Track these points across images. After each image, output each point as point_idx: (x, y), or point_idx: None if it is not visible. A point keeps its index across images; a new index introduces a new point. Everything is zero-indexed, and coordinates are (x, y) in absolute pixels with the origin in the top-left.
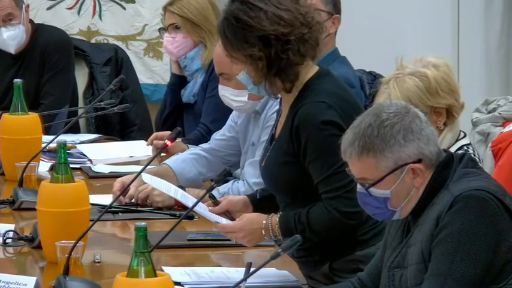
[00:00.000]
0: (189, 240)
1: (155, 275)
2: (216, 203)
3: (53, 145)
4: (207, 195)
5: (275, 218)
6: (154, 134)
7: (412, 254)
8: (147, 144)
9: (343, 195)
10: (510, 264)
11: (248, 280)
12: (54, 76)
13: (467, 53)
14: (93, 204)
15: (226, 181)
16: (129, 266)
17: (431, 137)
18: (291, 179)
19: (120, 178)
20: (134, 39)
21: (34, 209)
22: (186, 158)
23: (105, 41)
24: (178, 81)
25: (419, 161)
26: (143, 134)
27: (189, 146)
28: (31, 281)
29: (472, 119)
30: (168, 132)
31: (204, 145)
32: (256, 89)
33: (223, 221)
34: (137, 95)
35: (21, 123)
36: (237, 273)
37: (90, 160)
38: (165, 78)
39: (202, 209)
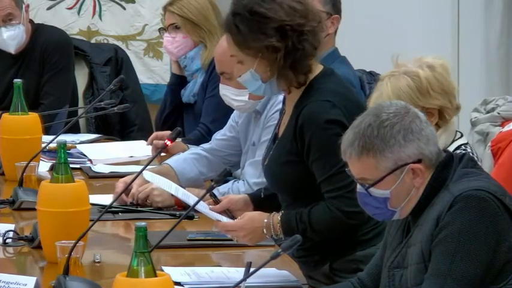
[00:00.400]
0: (189, 240)
1: (155, 275)
2: (216, 201)
3: (53, 145)
4: (209, 194)
5: (277, 216)
6: (155, 134)
7: (412, 254)
8: (147, 144)
9: (345, 195)
10: (510, 264)
11: (248, 280)
12: (54, 76)
13: (467, 53)
14: (93, 204)
15: (227, 181)
16: (129, 266)
17: (431, 137)
18: (293, 179)
19: (123, 179)
20: (134, 39)
21: (34, 209)
22: (187, 157)
23: (105, 41)
24: (178, 81)
25: (419, 161)
26: (143, 134)
27: (189, 146)
28: (31, 281)
29: (471, 119)
30: (168, 132)
31: (205, 145)
32: (262, 88)
33: (224, 219)
34: (137, 95)
35: (21, 123)
36: (237, 273)
37: (90, 160)
38: (165, 78)
39: (203, 207)
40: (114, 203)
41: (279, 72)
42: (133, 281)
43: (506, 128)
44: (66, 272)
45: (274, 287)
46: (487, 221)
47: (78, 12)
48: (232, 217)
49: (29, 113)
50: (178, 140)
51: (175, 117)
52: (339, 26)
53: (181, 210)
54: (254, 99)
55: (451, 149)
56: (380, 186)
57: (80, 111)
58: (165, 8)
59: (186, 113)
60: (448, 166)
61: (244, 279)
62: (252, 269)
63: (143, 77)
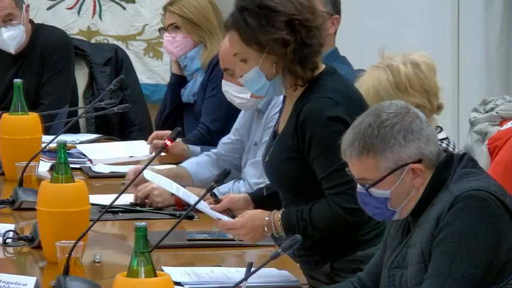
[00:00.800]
0: (189, 240)
1: (155, 275)
2: (217, 201)
3: (53, 145)
4: (210, 194)
5: (277, 214)
6: (155, 133)
7: (412, 254)
8: (148, 143)
9: (346, 192)
10: (510, 264)
11: (248, 280)
12: (54, 76)
13: (467, 53)
14: (93, 204)
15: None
16: (129, 266)
17: (431, 137)
18: (294, 175)
19: (135, 166)
20: (134, 39)
21: (34, 209)
22: (200, 160)
23: (105, 41)
24: (179, 81)
25: (419, 161)
26: (143, 134)
27: (188, 146)
28: (31, 281)
29: (470, 119)
30: (168, 132)
31: (213, 150)
32: (265, 88)
33: (225, 218)
34: (137, 95)
35: (21, 123)
36: (237, 273)
37: (90, 160)
38: (165, 78)
39: (203, 206)
40: (114, 203)
41: (288, 68)
42: (133, 281)
43: (504, 127)
44: (66, 272)
45: (274, 287)
46: (487, 221)
47: (78, 12)
48: (233, 216)
49: (29, 113)
50: (178, 139)
51: (176, 117)
52: (338, 26)
53: (181, 210)
54: (256, 97)
55: None
56: (380, 186)
57: (80, 111)
58: (165, 8)
59: (186, 112)
60: (448, 166)
61: (244, 279)
62: (252, 269)
63: (143, 77)
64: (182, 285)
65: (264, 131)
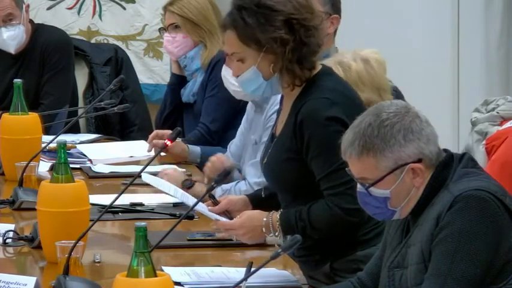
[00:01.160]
0: (189, 240)
1: (155, 275)
2: (215, 202)
3: (53, 145)
4: (207, 195)
5: (276, 215)
6: (155, 132)
7: (412, 254)
8: (148, 142)
9: (345, 192)
10: (510, 264)
11: (248, 280)
12: (54, 76)
13: (467, 53)
14: (93, 204)
15: None
16: (129, 266)
17: (431, 136)
18: (293, 176)
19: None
20: (134, 39)
21: (34, 209)
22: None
23: (105, 41)
24: (179, 81)
25: (419, 160)
26: (143, 134)
27: (188, 146)
28: (31, 281)
29: (471, 119)
30: (168, 131)
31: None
32: (262, 87)
33: (223, 220)
34: (137, 95)
35: (21, 123)
36: (237, 273)
37: (90, 160)
38: (165, 78)
39: (202, 208)
40: (114, 203)
41: (286, 67)
42: (133, 281)
43: (504, 127)
44: (66, 272)
45: (274, 287)
46: (487, 221)
47: (78, 12)
48: (231, 218)
49: (29, 113)
50: (178, 139)
51: (176, 117)
52: (338, 26)
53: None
54: None
55: None
56: (380, 185)
57: (80, 111)
58: (165, 8)
59: (186, 112)
60: (448, 166)
61: (244, 279)
62: (252, 269)
63: (143, 77)
64: (182, 285)
65: (264, 131)
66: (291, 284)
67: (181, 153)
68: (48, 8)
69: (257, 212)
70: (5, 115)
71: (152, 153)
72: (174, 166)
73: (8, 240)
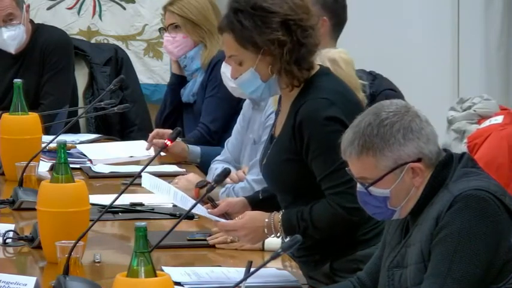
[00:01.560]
0: (189, 240)
1: (155, 275)
2: (214, 205)
3: (53, 145)
4: (206, 197)
5: (277, 215)
6: (155, 131)
7: (411, 254)
8: (148, 142)
9: (346, 191)
10: (510, 264)
11: (248, 280)
12: (54, 76)
13: (467, 53)
14: (93, 204)
15: None
16: (129, 266)
17: (431, 136)
18: (292, 177)
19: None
20: (134, 39)
21: (34, 209)
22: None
23: (105, 41)
24: (179, 81)
25: (419, 160)
26: (143, 134)
27: (188, 145)
28: (31, 281)
29: (448, 117)
30: (169, 131)
31: (220, 157)
32: (260, 89)
33: (224, 221)
34: (137, 95)
35: (21, 123)
36: (237, 273)
37: (90, 160)
38: (165, 78)
39: (201, 211)
40: (114, 203)
41: (284, 68)
42: (133, 281)
43: (483, 125)
44: (66, 272)
45: (274, 287)
46: (487, 221)
47: (78, 12)
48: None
49: (29, 113)
50: (178, 139)
51: (176, 117)
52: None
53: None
54: None
55: None
56: (380, 185)
57: (80, 111)
58: (165, 8)
59: (186, 112)
60: (447, 165)
61: (244, 279)
62: (252, 269)
63: (143, 77)
64: (182, 285)
65: (263, 130)
66: (291, 284)
67: (181, 153)
68: (48, 8)
69: (259, 212)
70: (5, 115)
71: (152, 152)
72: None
73: (8, 240)
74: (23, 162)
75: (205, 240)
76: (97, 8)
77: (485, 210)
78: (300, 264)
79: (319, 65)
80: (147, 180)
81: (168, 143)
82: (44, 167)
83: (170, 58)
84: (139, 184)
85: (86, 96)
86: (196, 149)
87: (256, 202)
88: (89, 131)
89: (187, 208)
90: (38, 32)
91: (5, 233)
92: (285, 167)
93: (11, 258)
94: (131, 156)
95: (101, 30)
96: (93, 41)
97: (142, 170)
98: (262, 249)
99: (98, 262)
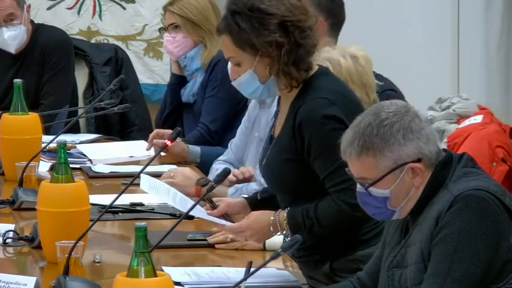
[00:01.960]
0: (189, 240)
1: (155, 275)
2: (213, 206)
3: (53, 145)
4: (206, 198)
5: (283, 213)
6: (155, 131)
7: (411, 254)
8: (148, 142)
9: (349, 187)
10: (510, 264)
11: (248, 280)
12: (54, 76)
13: (467, 53)
14: (93, 204)
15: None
16: (129, 266)
17: (431, 136)
18: (292, 177)
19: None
20: (134, 39)
21: (34, 209)
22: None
23: (105, 41)
24: (179, 81)
25: (418, 160)
26: (143, 134)
27: (188, 145)
28: (31, 281)
29: (427, 117)
30: (169, 131)
31: (223, 157)
32: (259, 90)
33: (222, 223)
34: (137, 95)
35: (21, 123)
36: (237, 273)
37: (90, 160)
38: (165, 78)
39: (200, 213)
40: (114, 203)
41: (282, 69)
42: (133, 281)
43: (463, 125)
44: (66, 272)
45: (274, 287)
46: (487, 221)
47: (78, 12)
48: (231, 221)
49: (29, 113)
50: (178, 139)
51: (176, 117)
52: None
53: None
54: None
55: None
56: (380, 185)
57: (80, 111)
58: (165, 8)
59: (186, 112)
60: (447, 166)
61: (244, 279)
62: (252, 269)
63: (143, 77)
64: (182, 285)
65: (267, 128)
66: (291, 284)
67: (181, 153)
68: (48, 8)
69: (263, 212)
70: (5, 115)
71: (152, 152)
72: (188, 168)
73: (8, 240)
74: (23, 162)
75: (205, 240)
76: (97, 8)
77: (485, 210)
78: (300, 264)
79: (318, 65)
80: (145, 181)
81: (168, 143)
82: (44, 167)
83: (170, 58)
84: (140, 184)
85: (86, 96)
86: (196, 149)
87: (257, 203)
88: (89, 131)
89: (188, 207)
90: (38, 32)
91: (5, 233)
92: (285, 167)
93: (11, 258)
94: (131, 156)
95: (101, 30)
96: (93, 41)
97: (142, 170)
98: (264, 249)
99: (98, 262)
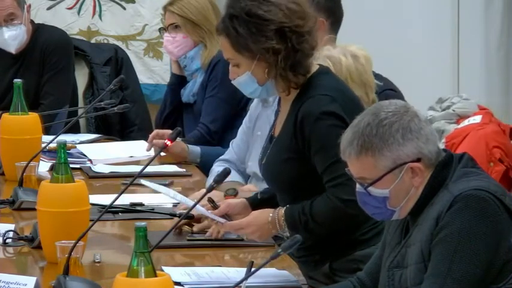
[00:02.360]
0: (189, 240)
1: (155, 275)
2: (215, 206)
3: (53, 145)
4: (206, 198)
5: (281, 211)
6: (155, 131)
7: (411, 254)
8: (148, 142)
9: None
10: (510, 264)
11: (248, 280)
12: (54, 76)
13: (467, 53)
14: (93, 204)
15: None
16: (129, 266)
17: (430, 136)
18: (292, 177)
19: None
20: (134, 39)
21: (34, 209)
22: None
23: (105, 41)
24: (179, 81)
25: (418, 160)
26: (143, 134)
27: (188, 145)
28: (31, 281)
29: (427, 117)
30: (169, 131)
31: (224, 157)
32: (258, 91)
33: (223, 221)
34: (137, 95)
35: (21, 123)
36: (237, 273)
37: (90, 160)
38: (165, 78)
39: (201, 210)
40: (114, 203)
41: (279, 74)
42: (133, 281)
43: (462, 125)
44: (66, 272)
45: (274, 287)
46: (487, 221)
47: (78, 12)
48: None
49: (29, 113)
50: (178, 139)
51: (176, 117)
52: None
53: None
54: None
55: None
56: (379, 185)
57: (80, 111)
58: (165, 8)
59: (186, 112)
60: (447, 166)
61: (245, 278)
62: (252, 269)
63: (143, 77)
64: (182, 285)
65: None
66: (291, 284)
67: (181, 153)
68: (48, 8)
69: (263, 210)
70: (5, 115)
71: (152, 153)
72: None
73: (8, 240)
74: (23, 162)
75: (205, 240)
76: (97, 8)
77: (485, 210)
78: (299, 264)
79: (319, 64)
80: (147, 182)
81: (168, 143)
82: (44, 167)
83: (170, 58)
84: (140, 184)
85: (86, 96)
86: (196, 149)
87: (257, 203)
88: (89, 131)
89: (189, 206)
90: (38, 32)
91: (5, 233)
92: (285, 166)
93: (11, 258)
94: (131, 156)
95: (101, 30)
96: (93, 41)
97: (142, 170)
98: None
99: (98, 262)
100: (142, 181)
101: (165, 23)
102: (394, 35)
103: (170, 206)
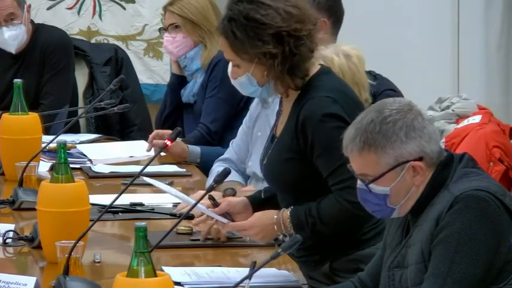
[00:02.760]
0: (192, 240)
1: (155, 275)
2: (215, 204)
3: (53, 145)
4: (207, 197)
5: (286, 212)
6: (155, 132)
7: (412, 254)
8: (148, 142)
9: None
10: (510, 264)
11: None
12: (54, 76)
13: (467, 53)
14: (93, 204)
15: None
16: (129, 266)
17: (433, 135)
18: (293, 177)
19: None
20: (134, 39)
21: (34, 209)
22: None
23: (105, 41)
24: (179, 81)
25: (420, 159)
26: (143, 134)
27: (188, 145)
28: (31, 281)
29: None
30: (169, 131)
31: (224, 156)
32: (258, 91)
33: (224, 221)
34: (137, 95)
35: (21, 123)
36: (237, 273)
37: (90, 160)
38: (165, 78)
39: (203, 209)
40: (114, 203)
41: (277, 77)
42: (133, 281)
43: (461, 125)
44: (66, 272)
45: (274, 287)
46: (487, 222)
47: (78, 12)
48: (232, 220)
49: (29, 113)
50: (178, 139)
51: (176, 117)
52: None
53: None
54: None
55: None
56: (380, 182)
57: (80, 111)
58: (165, 8)
59: (186, 112)
60: (448, 166)
61: (246, 277)
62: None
63: (143, 77)
64: (182, 285)
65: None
66: (291, 284)
67: (181, 153)
68: (48, 8)
69: (267, 211)
70: (5, 115)
71: (152, 153)
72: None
73: (8, 240)
74: (23, 162)
75: (205, 240)
76: (97, 8)
77: (485, 211)
78: (299, 264)
79: (320, 64)
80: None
81: (168, 143)
82: (44, 167)
83: (170, 58)
84: (140, 184)
85: (86, 96)
86: (196, 149)
87: (258, 202)
88: (89, 131)
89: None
90: (38, 32)
91: (5, 233)
92: (286, 166)
93: (11, 258)
94: (131, 156)
95: (101, 30)
96: (93, 41)
97: (142, 170)
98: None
99: (98, 262)
100: (145, 178)
101: (165, 23)
102: (394, 35)
103: (170, 206)
